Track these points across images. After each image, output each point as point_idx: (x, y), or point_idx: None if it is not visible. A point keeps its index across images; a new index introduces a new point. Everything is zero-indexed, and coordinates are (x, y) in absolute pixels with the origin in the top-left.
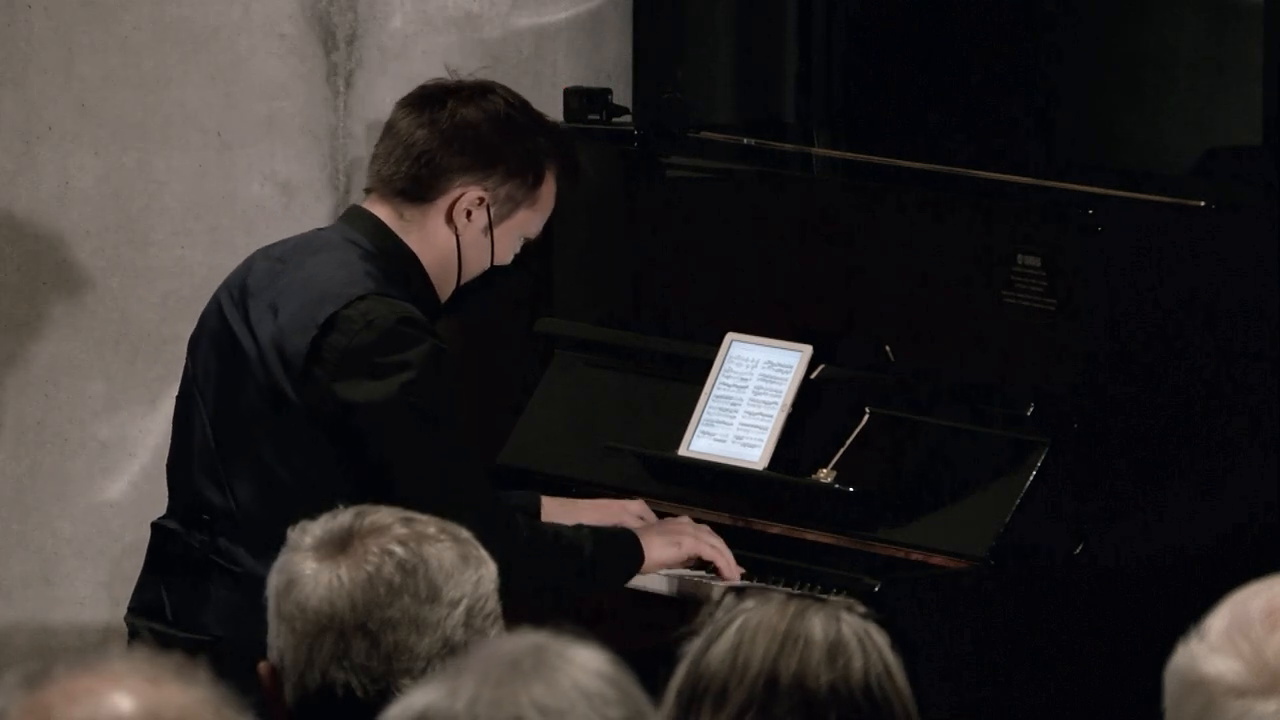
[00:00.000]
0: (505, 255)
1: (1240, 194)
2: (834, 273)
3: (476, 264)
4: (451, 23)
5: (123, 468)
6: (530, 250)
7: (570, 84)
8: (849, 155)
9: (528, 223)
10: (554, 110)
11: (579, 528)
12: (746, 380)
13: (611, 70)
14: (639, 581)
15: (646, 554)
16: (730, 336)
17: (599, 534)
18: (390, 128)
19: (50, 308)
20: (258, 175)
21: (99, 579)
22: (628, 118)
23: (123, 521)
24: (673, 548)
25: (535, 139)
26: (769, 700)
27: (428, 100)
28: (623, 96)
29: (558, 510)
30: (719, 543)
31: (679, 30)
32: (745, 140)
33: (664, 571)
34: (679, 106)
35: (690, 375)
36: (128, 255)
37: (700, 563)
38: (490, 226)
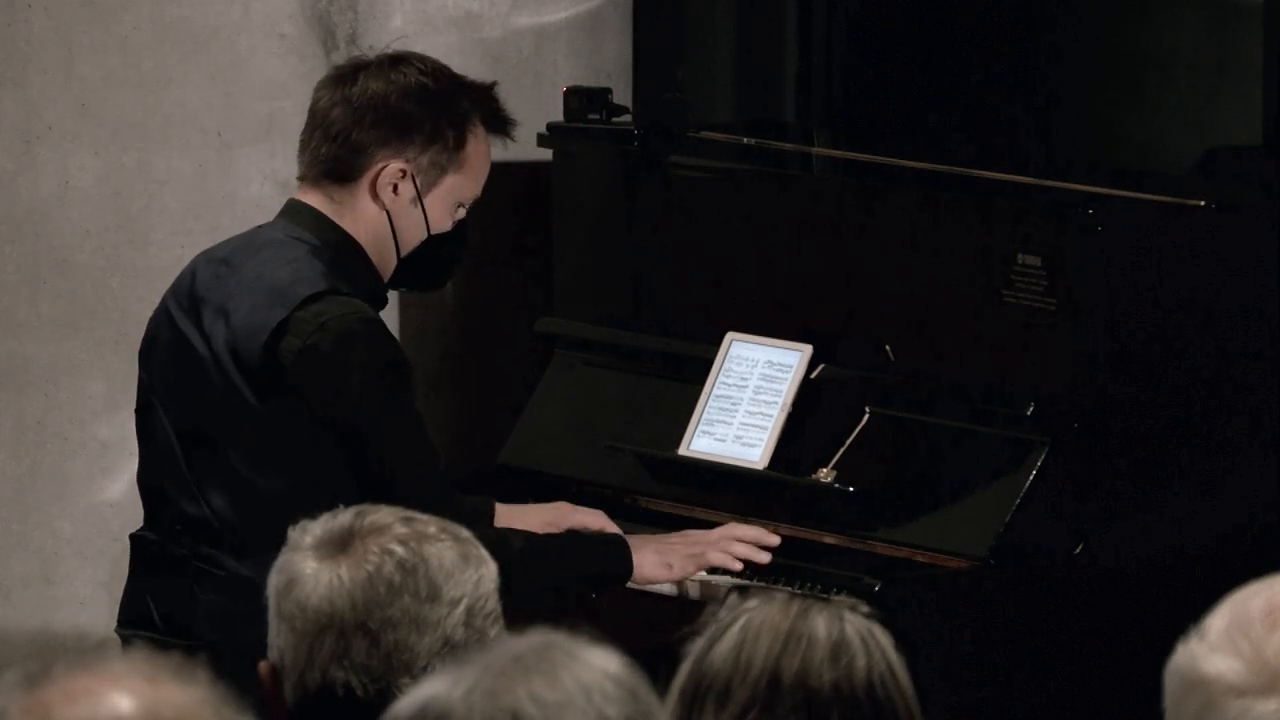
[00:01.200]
0: (442, 223)
1: (1240, 194)
2: (834, 273)
3: (412, 236)
4: (451, 23)
5: (123, 468)
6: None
7: (570, 84)
8: (849, 155)
9: (459, 187)
10: (554, 110)
11: (561, 535)
12: (746, 380)
13: (611, 70)
14: (670, 588)
15: (636, 569)
16: (730, 336)
17: (584, 544)
18: (310, 111)
19: (50, 308)
20: (258, 175)
21: (99, 579)
22: (628, 118)
23: (123, 521)
24: (663, 569)
25: (454, 102)
26: (772, 699)
27: (341, 79)
28: (623, 96)
29: (510, 516)
30: (722, 543)
31: (679, 30)
32: (745, 140)
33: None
34: (679, 106)
35: (690, 375)
36: (128, 255)
37: None
38: (419, 197)
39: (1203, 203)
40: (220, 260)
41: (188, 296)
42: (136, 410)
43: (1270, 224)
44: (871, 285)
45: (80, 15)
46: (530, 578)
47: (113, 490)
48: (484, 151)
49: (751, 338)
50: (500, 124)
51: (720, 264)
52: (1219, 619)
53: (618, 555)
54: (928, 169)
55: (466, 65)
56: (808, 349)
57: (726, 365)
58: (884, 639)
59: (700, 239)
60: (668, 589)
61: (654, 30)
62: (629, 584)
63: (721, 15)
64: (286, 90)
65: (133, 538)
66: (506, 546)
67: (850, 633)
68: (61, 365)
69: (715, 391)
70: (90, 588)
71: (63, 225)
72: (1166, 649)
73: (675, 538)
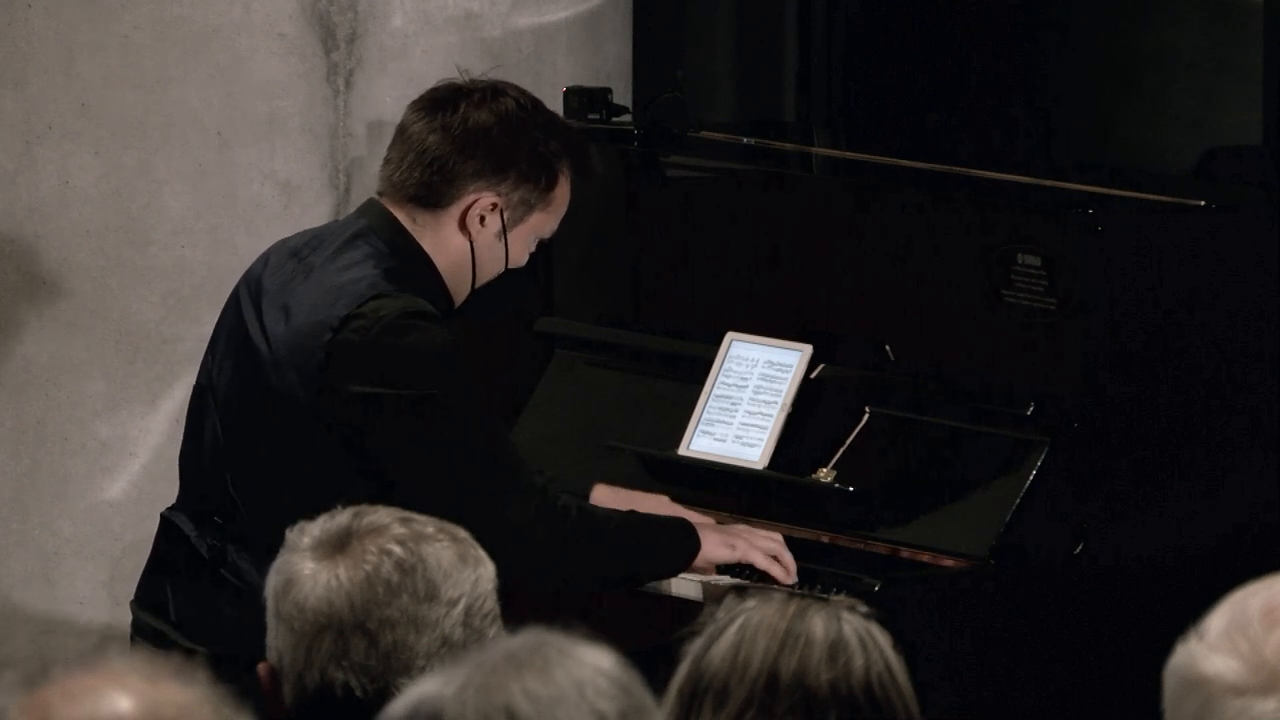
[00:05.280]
0: (520, 258)
1: (1240, 194)
2: (834, 273)
3: (491, 269)
4: (451, 22)
5: (123, 467)
6: (530, 250)
7: (570, 84)
8: (849, 155)
9: (542, 225)
10: (554, 110)
11: (632, 514)
12: (746, 380)
13: (611, 70)
14: (683, 590)
15: (703, 547)
16: (730, 336)
17: (653, 521)
18: (402, 131)
19: (50, 308)
20: (258, 175)
21: (99, 579)
22: (628, 118)
23: (123, 521)
24: (726, 549)
25: (548, 141)
26: (769, 699)
27: (439, 104)
28: (623, 96)
29: (608, 498)
30: (778, 551)
31: (679, 30)
32: (745, 140)
33: (706, 579)
34: (679, 106)
35: (690, 375)
36: (128, 255)
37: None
38: (504, 231)
39: (1203, 203)
40: (291, 252)
41: (256, 286)
42: (194, 388)
43: (1270, 224)
44: (871, 285)
45: (80, 15)
46: (617, 554)
47: (113, 490)
48: (569, 192)
49: (751, 338)
50: (587, 171)
51: (720, 264)
52: (1218, 619)
53: (685, 533)
54: (928, 169)
55: (466, 65)
56: (808, 349)
57: (726, 365)
58: (882, 639)
59: (700, 239)
60: (674, 590)
61: (654, 30)
62: (694, 565)
63: (721, 15)
64: (286, 90)
65: (163, 517)
66: (595, 521)
67: (848, 632)
68: (61, 365)
69: (715, 391)
70: (90, 588)
71: (63, 225)
72: (1166, 649)
73: (723, 525)
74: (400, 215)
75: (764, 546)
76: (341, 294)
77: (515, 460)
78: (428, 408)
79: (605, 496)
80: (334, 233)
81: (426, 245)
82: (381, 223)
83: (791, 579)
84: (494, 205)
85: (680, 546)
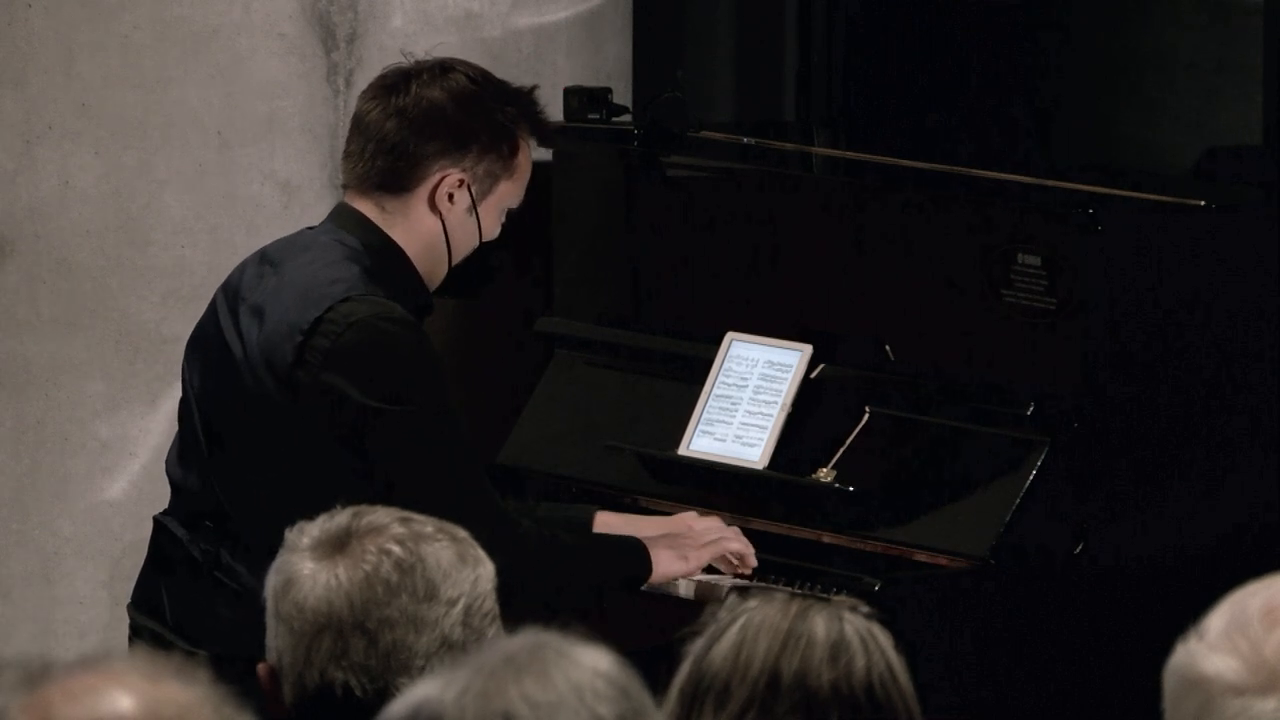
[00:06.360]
0: (492, 230)
1: (1240, 194)
2: (834, 273)
3: (465, 245)
4: (451, 22)
5: (123, 467)
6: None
7: (570, 84)
8: (849, 155)
9: (509, 194)
10: (554, 110)
11: (586, 537)
12: (746, 380)
13: (611, 70)
14: (684, 590)
15: (655, 567)
16: (730, 336)
17: (608, 547)
18: (359, 122)
19: (50, 308)
20: (258, 175)
21: (99, 578)
22: (628, 118)
23: (123, 521)
24: (679, 562)
25: (503, 109)
26: (771, 699)
27: (390, 88)
28: (623, 96)
29: (618, 524)
30: (730, 542)
31: (679, 30)
32: (745, 140)
33: (706, 579)
34: (679, 106)
35: (690, 375)
36: (128, 255)
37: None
38: (474, 205)
39: (1203, 203)
40: (266, 260)
41: (233, 293)
42: (180, 399)
43: (1270, 224)
44: (871, 285)
45: (80, 15)
46: (572, 582)
47: (113, 490)
48: (530, 157)
49: (751, 338)
50: (544, 130)
51: (720, 264)
52: (1218, 618)
53: (636, 555)
54: (928, 169)
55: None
56: (808, 349)
57: (726, 365)
58: (883, 639)
59: (700, 239)
60: (682, 591)
61: (654, 30)
62: (650, 583)
63: (721, 15)
64: (286, 90)
65: (157, 521)
66: (553, 550)
67: (849, 633)
68: (61, 365)
69: (715, 391)
70: (90, 587)
71: (63, 225)
72: (1166, 649)
73: (683, 534)
74: (369, 206)
75: (715, 549)
76: (313, 296)
77: (478, 479)
78: (390, 418)
79: (613, 522)
80: (306, 237)
81: (398, 232)
82: (351, 222)
83: (752, 563)
84: (461, 181)
85: (633, 572)
